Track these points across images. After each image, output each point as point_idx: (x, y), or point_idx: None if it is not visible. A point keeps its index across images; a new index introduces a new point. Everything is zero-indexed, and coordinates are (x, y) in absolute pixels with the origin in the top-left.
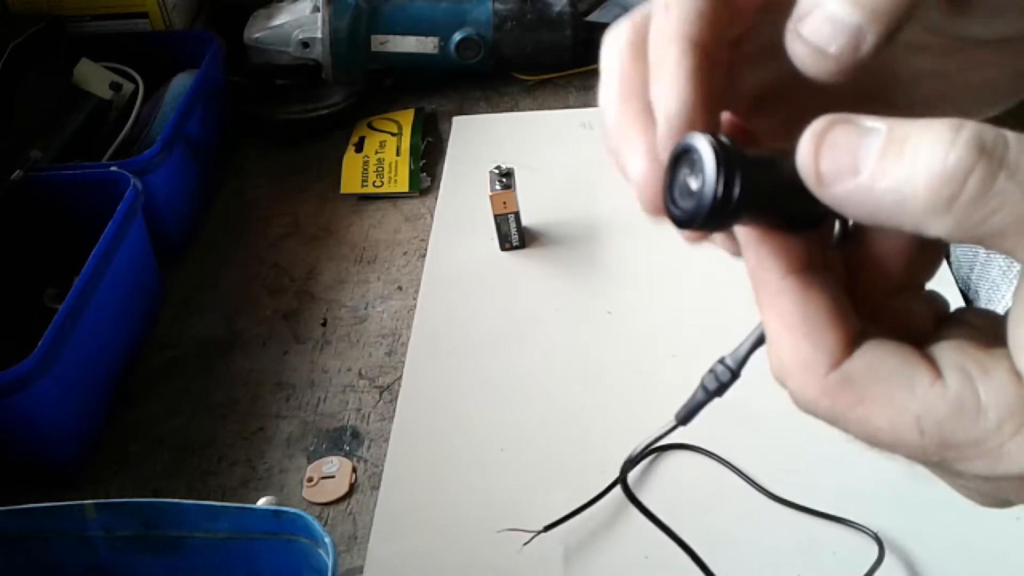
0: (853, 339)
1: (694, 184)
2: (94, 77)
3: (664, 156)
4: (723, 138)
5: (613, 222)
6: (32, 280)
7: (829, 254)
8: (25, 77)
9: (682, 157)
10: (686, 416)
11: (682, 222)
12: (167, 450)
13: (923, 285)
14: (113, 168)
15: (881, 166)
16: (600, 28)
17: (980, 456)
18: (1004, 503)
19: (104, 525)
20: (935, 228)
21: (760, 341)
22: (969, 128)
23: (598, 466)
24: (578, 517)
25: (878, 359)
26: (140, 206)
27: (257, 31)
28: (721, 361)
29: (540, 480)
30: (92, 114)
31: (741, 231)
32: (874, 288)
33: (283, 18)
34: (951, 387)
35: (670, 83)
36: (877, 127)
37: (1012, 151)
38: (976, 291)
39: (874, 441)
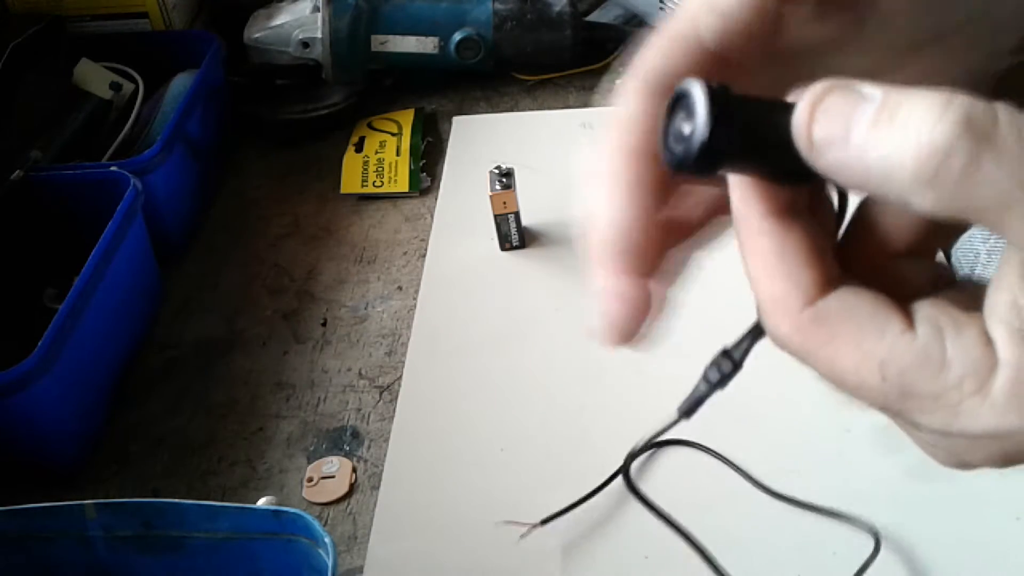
0: (829, 281)
1: (686, 128)
2: (94, 77)
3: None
4: (716, 84)
5: None
6: (32, 280)
7: (816, 204)
8: (25, 77)
9: (678, 103)
10: (689, 409)
11: (673, 165)
12: (167, 450)
13: (935, 252)
14: (113, 168)
15: (873, 135)
16: (600, 28)
17: (938, 410)
18: (963, 464)
19: (104, 525)
20: (918, 201)
21: (760, 331)
22: (959, 103)
23: (598, 466)
24: (577, 517)
25: (852, 302)
26: (140, 206)
27: (257, 31)
28: (723, 352)
29: (540, 480)
30: (92, 114)
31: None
32: (879, 249)
33: (283, 18)
34: (920, 337)
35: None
36: (873, 94)
37: (1001, 128)
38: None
39: (840, 383)
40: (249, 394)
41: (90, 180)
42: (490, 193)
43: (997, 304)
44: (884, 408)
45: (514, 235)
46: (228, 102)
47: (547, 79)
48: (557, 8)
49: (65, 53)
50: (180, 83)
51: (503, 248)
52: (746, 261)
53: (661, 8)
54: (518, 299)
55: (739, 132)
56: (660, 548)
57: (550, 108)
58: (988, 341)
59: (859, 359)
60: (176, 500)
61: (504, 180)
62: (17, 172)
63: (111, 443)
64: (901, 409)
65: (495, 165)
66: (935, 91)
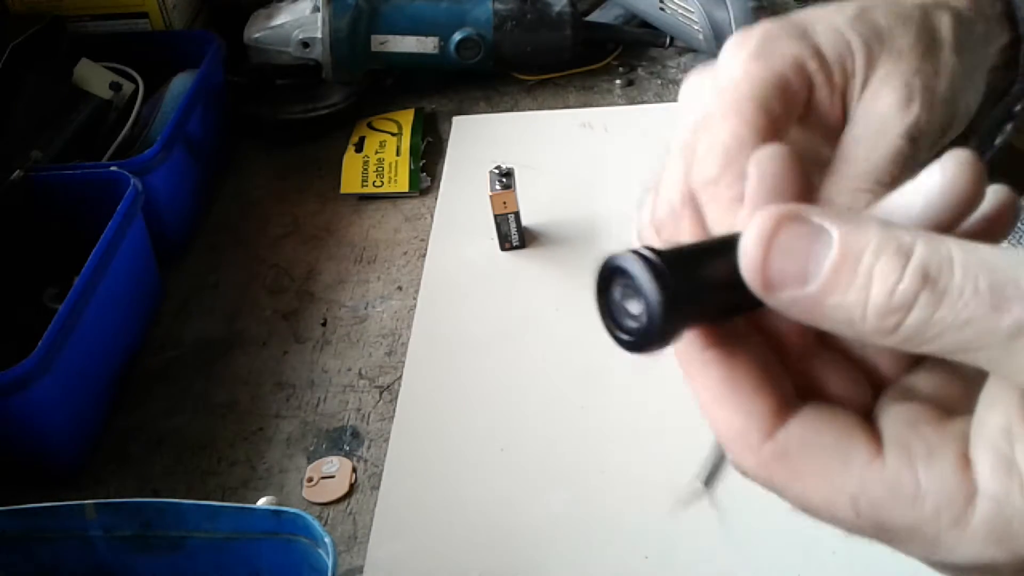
0: (786, 405)
1: (634, 308)
2: (94, 77)
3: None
4: (647, 252)
5: (613, 222)
6: (32, 280)
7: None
8: (25, 77)
9: (613, 277)
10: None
11: (633, 347)
12: (167, 450)
13: None
14: (113, 168)
15: (832, 282)
16: (600, 28)
17: (915, 542)
18: None
19: (104, 525)
20: (879, 343)
21: None
22: (918, 255)
23: (598, 466)
24: (576, 519)
25: (814, 430)
26: (140, 206)
27: (257, 31)
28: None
29: (540, 480)
30: (92, 114)
31: None
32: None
33: (283, 18)
34: (889, 467)
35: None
36: (829, 232)
37: (956, 280)
38: None
39: (815, 516)
40: (249, 394)
41: (90, 180)
42: (490, 193)
43: (986, 426)
44: (860, 535)
45: (514, 235)
46: (228, 102)
47: (547, 79)
48: (557, 8)
49: (65, 53)
50: (180, 83)
51: (503, 248)
52: (696, 395)
53: (661, 8)
54: (518, 299)
55: (689, 298)
56: (660, 548)
57: (550, 108)
58: (965, 465)
59: (829, 494)
60: (176, 500)
61: (504, 180)
62: (17, 172)
63: (111, 443)
64: (880, 540)
65: (495, 165)
66: (892, 234)
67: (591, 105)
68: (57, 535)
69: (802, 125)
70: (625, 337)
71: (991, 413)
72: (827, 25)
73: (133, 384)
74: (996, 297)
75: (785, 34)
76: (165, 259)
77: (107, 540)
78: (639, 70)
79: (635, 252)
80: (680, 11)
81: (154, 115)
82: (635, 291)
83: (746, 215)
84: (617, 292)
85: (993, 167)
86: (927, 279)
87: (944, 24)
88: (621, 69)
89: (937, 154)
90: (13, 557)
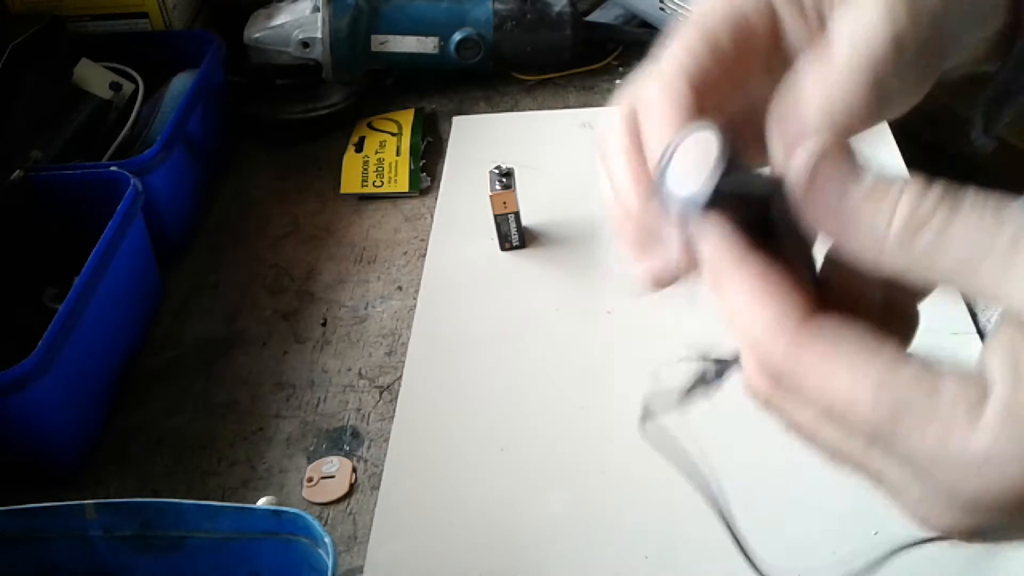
0: (816, 307)
1: (697, 169)
2: (94, 77)
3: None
4: (726, 130)
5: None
6: (32, 280)
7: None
8: (25, 77)
9: (679, 146)
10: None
11: (681, 200)
12: (167, 450)
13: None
14: (113, 168)
15: (868, 194)
16: (600, 28)
17: (930, 432)
18: (952, 524)
19: (104, 525)
20: (897, 262)
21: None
22: (938, 186)
23: (598, 466)
24: (576, 519)
25: (846, 324)
26: (140, 206)
27: (257, 31)
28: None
29: (540, 480)
30: (92, 114)
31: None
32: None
33: (283, 18)
34: (913, 363)
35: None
36: (864, 174)
37: (967, 203)
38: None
39: (828, 409)
40: (249, 394)
41: (90, 180)
42: (490, 193)
43: (999, 334)
44: (871, 437)
45: (514, 235)
46: (228, 102)
47: (547, 79)
48: (557, 8)
49: (65, 53)
50: (180, 83)
51: (503, 248)
52: (725, 299)
53: (661, 8)
54: (518, 299)
55: (741, 177)
56: (660, 548)
57: (550, 108)
58: (980, 371)
59: (853, 380)
60: (176, 500)
61: (504, 180)
62: (17, 172)
63: (111, 443)
64: (890, 434)
65: (495, 165)
66: (914, 179)
67: (591, 105)
68: (57, 535)
69: (773, 72)
70: (681, 187)
71: (1005, 328)
72: None
73: (133, 384)
74: (998, 217)
75: None
76: (165, 259)
77: (107, 540)
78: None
79: (714, 125)
80: (680, 11)
81: (154, 115)
82: (703, 151)
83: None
84: (682, 158)
85: (992, 166)
86: (944, 200)
87: None
88: (621, 69)
89: (926, 81)
90: (13, 557)
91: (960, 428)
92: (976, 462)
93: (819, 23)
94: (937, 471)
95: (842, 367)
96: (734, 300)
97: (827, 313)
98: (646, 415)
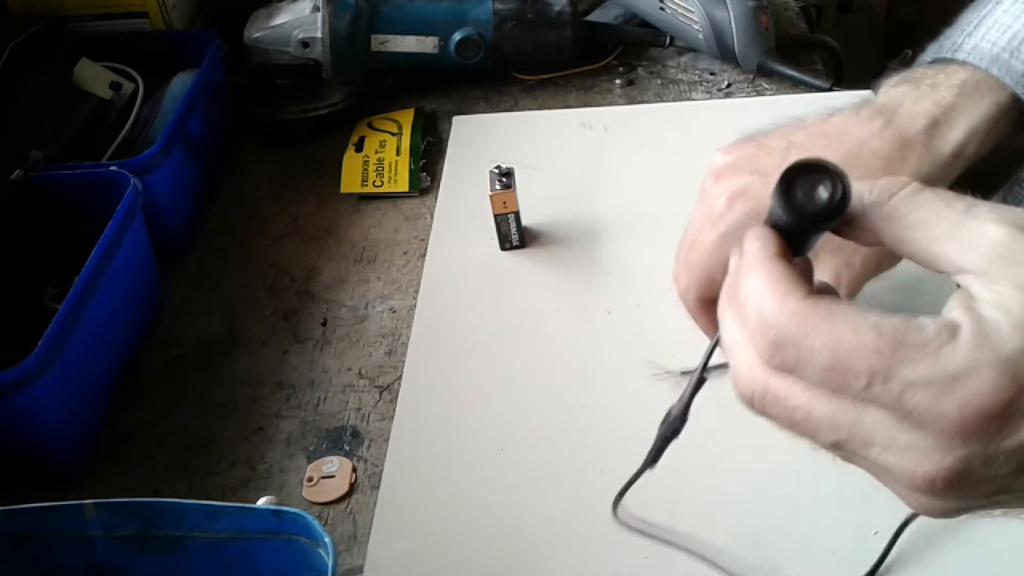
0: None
1: (823, 192)
2: (94, 77)
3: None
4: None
5: (613, 222)
6: (32, 280)
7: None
8: (25, 77)
9: (800, 176)
10: (652, 459)
11: (812, 212)
12: (167, 450)
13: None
14: (113, 168)
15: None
16: (600, 28)
17: (924, 357)
18: (928, 458)
19: (104, 525)
20: (880, 224)
21: (700, 383)
22: (913, 184)
23: (598, 466)
24: (576, 519)
25: (846, 302)
26: (140, 206)
27: (257, 31)
28: (668, 411)
29: (540, 480)
30: (92, 114)
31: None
32: None
33: (283, 18)
34: (899, 317)
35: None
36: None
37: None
38: None
39: (831, 362)
40: (249, 394)
41: (90, 180)
42: (490, 193)
43: (955, 295)
44: (871, 376)
45: (514, 235)
46: (228, 102)
47: (547, 79)
48: (557, 8)
49: (65, 53)
50: (180, 83)
51: (503, 248)
52: (748, 283)
53: (661, 8)
54: (518, 299)
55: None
56: (660, 548)
57: (550, 108)
58: (948, 319)
59: (855, 324)
60: (176, 500)
61: (504, 180)
62: (17, 172)
63: (111, 443)
64: (888, 368)
65: (495, 165)
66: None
67: (591, 105)
68: (57, 535)
69: None
70: (813, 202)
71: (955, 293)
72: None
73: (133, 384)
74: (948, 201)
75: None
76: (165, 259)
77: (107, 540)
78: (639, 70)
79: (832, 163)
80: (680, 11)
81: (154, 115)
82: (828, 180)
83: None
84: (805, 185)
85: (991, 164)
86: (913, 187)
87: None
88: (621, 69)
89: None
90: (13, 557)
91: (944, 352)
92: (957, 376)
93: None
94: (925, 397)
95: (843, 322)
96: (755, 282)
97: (830, 295)
98: (617, 500)
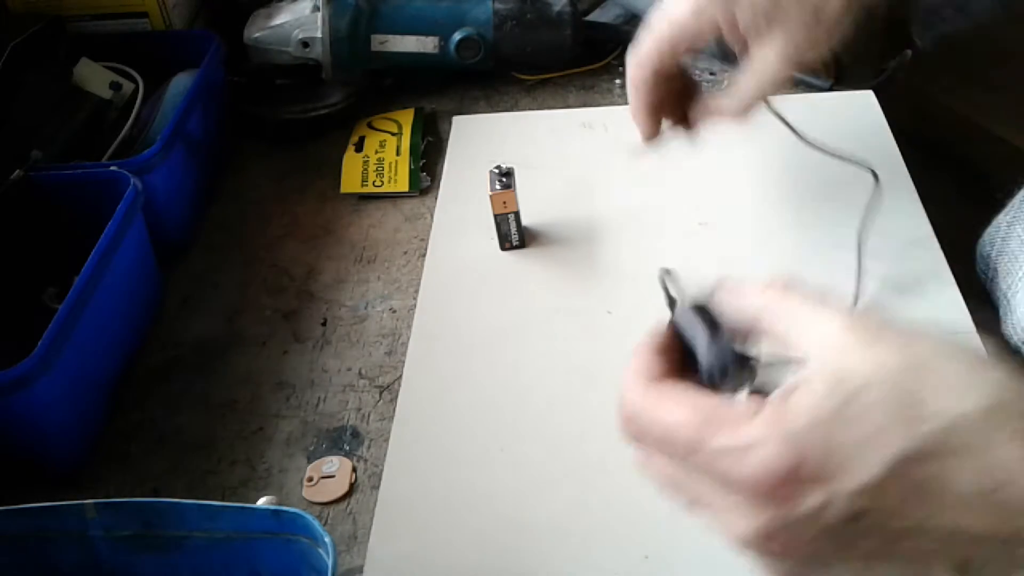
0: (669, 376)
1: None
2: (94, 77)
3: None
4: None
5: (613, 222)
6: (32, 280)
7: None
8: (25, 77)
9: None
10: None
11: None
12: (167, 450)
13: None
14: (113, 168)
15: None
16: (600, 28)
17: (730, 429)
18: (740, 520)
19: (104, 525)
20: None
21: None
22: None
23: (598, 466)
24: (576, 519)
25: (685, 382)
26: (140, 206)
27: (257, 31)
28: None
29: (540, 480)
30: (92, 114)
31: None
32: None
33: (283, 18)
34: (722, 397)
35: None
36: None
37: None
38: (995, 268)
39: (661, 434)
40: (249, 394)
41: (90, 180)
42: (490, 193)
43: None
44: (688, 448)
45: (514, 235)
46: (228, 102)
47: (547, 79)
48: (557, 8)
49: (65, 53)
50: (180, 83)
51: (503, 248)
52: (627, 368)
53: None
54: (518, 299)
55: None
56: (660, 548)
57: (550, 108)
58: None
59: (679, 403)
60: (176, 500)
61: (504, 180)
62: (17, 172)
63: (111, 443)
64: (699, 442)
65: (495, 165)
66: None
67: (591, 105)
68: (57, 535)
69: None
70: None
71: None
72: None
73: (133, 384)
74: (787, 294)
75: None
76: (165, 259)
77: (107, 540)
78: None
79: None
80: None
81: (154, 115)
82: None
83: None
84: (703, 333)
85: (991, 164)
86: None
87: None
88: (621, 69)
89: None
90: (13, 557)
91: (743, 425)
92: (749, 445)
93: (744, 47)
94: (727, 463)
95: (670, 401)
96: (626, 371)
97: (675, 378)
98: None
